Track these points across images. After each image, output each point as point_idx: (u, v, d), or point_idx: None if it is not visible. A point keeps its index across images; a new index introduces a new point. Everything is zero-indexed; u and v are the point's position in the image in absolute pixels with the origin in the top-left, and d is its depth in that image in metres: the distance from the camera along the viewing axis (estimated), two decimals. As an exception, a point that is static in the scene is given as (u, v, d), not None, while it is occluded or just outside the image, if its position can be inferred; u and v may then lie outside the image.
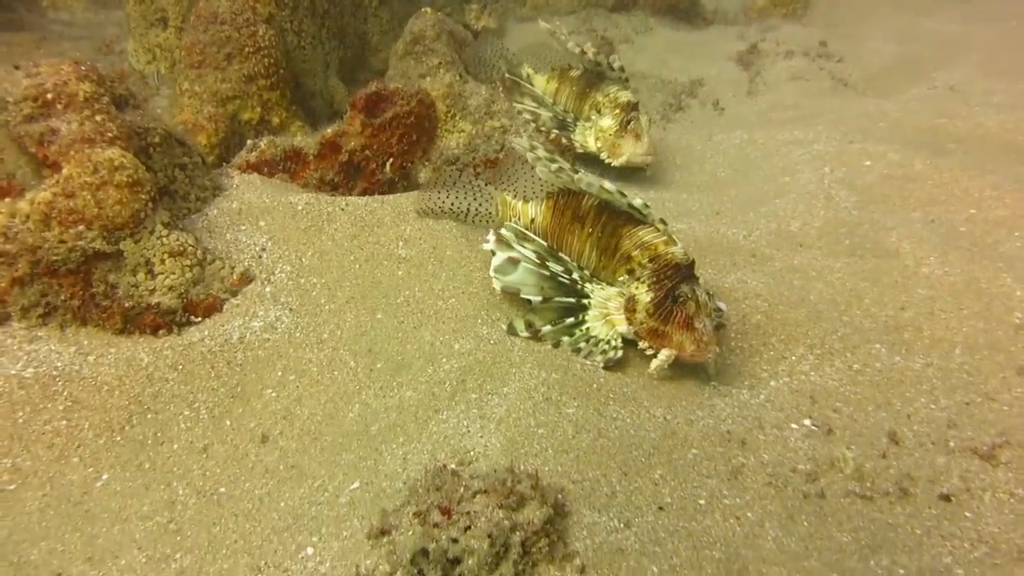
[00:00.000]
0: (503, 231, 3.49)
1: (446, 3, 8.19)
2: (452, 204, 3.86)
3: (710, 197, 4.97)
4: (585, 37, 8.71)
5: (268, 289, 3.50)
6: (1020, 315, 3.49)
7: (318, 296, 3.49)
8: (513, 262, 3.37)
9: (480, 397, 2.95)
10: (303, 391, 3.09)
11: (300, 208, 3.85)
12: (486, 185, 3.84)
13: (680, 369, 3.17)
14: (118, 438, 2.87)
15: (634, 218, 3.31)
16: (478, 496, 2.29)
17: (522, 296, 3.31)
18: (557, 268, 3.37)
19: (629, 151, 5.08)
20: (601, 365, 3.18)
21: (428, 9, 5.69)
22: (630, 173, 5.20)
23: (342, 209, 3.88)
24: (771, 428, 2.90)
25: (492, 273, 3.35)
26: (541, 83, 5.59)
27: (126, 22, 6.68)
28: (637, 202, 3.21)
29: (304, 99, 6.03)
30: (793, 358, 3.29)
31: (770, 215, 4.44)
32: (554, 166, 3.38)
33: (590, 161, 5.26)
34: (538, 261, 3.36)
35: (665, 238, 3.22)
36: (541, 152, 3.42)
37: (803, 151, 5.37)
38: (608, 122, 5.13)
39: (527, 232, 3.54)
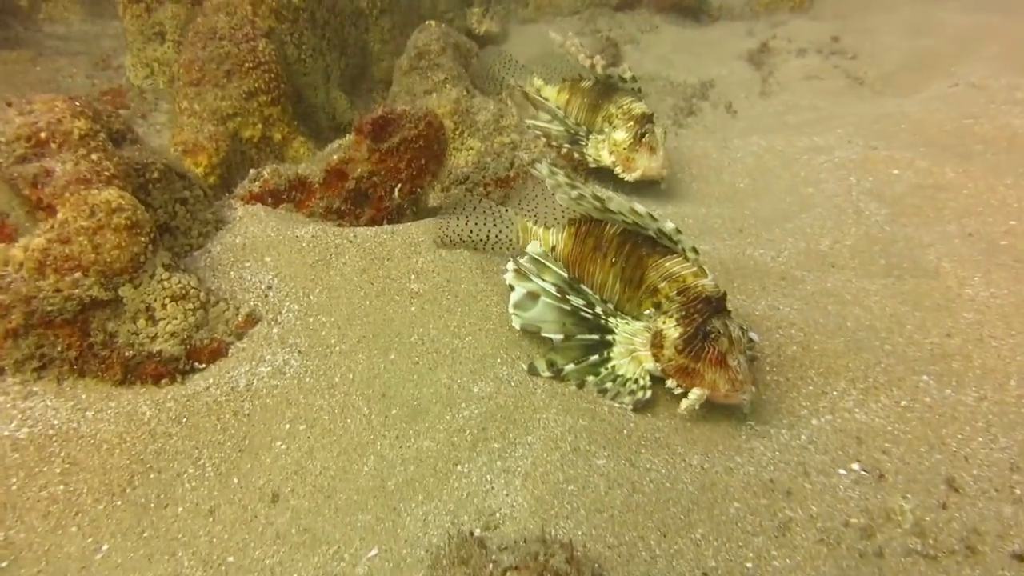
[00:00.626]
0: (522, 260, 3.31)
1: (447, 8, 7.98)
2: (471, 232, 3.66)
3: (731, 211, 4.75)
4: (589, 38, 8.50)
5: (275, 330, 3.31)
6: (1073, 339, 3.28)
7: (328, 336, 3.30)
8: (533, 296, 3.18)
9: (503, 447, 2.76)
10: (314, 442, 2.90)
11: (307, 241, 3.66)
12: (506, 211, 3.64)
13: (713, 408, 2.97)
14: (119, 502, 2.69)
15: (659, 247, 3.11)
16: (508, 573, 2.10)
17: (543, 335, 3.12)
18: (579, 302, 3.18)
19: (644, 165, 4.87)
20: (630, 407, 2.99)
21: (432, 22, 5.48)
22: (645, 187, 4.99)
23: (350, 241, 3.69)
24: (817, 475, 2.70)
25: (511, 310, 3.16)
26: (551, 95, 5.38)
27: (123, 36, 6.52)
28: (668, 226, 3.00)
29: (306, 113, 5.86)
30: (834, 393, 3.09)
31: (797, 232, 4.23)
32: (575, 193, 3.19)
33: (603, 176, 5.05)
34: (558, 295, 3.17)
35: (695, 269, 3.03)
36: (561, 178, 3.22)
37: (825, 158, 5.15)
38: (622, 135, 4.92)
39: (545, 260, 3.34)
